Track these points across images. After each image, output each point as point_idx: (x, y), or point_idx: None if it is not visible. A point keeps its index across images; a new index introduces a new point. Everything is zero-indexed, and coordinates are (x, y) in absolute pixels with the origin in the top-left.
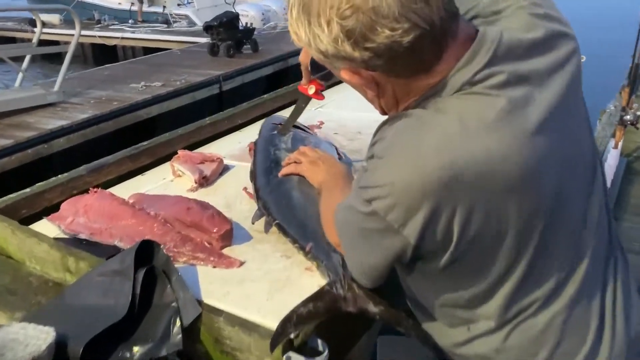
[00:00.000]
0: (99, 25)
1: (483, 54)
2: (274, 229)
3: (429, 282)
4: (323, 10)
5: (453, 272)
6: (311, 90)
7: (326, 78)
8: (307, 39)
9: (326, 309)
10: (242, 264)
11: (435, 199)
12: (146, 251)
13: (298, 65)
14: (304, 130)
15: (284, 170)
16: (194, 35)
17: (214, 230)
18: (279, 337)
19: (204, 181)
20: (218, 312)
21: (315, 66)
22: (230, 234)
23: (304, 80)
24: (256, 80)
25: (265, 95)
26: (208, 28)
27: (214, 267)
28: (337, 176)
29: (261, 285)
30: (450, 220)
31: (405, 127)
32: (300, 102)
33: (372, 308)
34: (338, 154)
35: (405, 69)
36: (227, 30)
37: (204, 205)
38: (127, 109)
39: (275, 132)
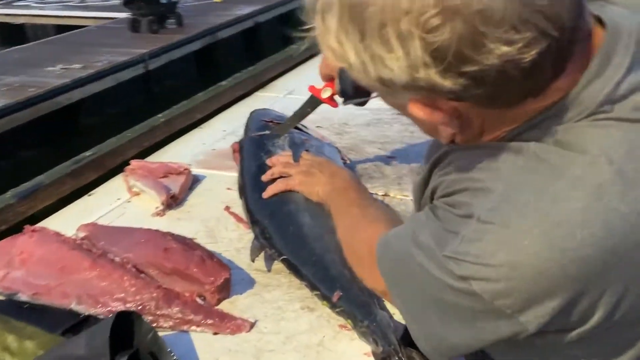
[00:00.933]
0: (2, 2)
1: (621, 54)
2: (278, 264)
3: (531, 355)
4: (392, 18)
5: (576, 348)
6: (326, 93)
7: (361, 104)
8: (359, 63)
9: None
10: (252, 325)
11: (579, 285)
12: (122, 325)
13: (228, 39)
14: (302, 131)
15: (269, 191)
16: (111, 10)
17: (208, 281)
18: None
19: (173, 201)
20: None
21: (349, 91)
22: (229, 283)
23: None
24: (184, 57)
25: (223, 82)
26: (127, 2)
27: (215, 333)
28: (345, 187)
29: (287, 358)
30: (594, 303)
31: (522, 175)
32: (306, 104)
33: None
34: (342, 159)
35: (511, 96)
36: (148, 4)
37: (187, 244)
38: (44, 96)
39: (267, 132)
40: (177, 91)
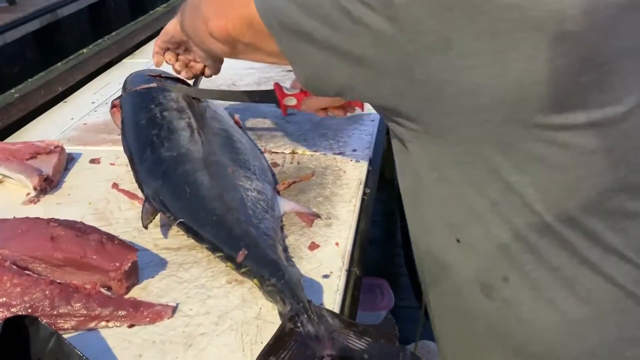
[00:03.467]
0: None
1: None
2: (189, 240)
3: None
4: None
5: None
6: (289, 101)
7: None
8: None
9: None
10: (174, 310)
11: None
12: (13, 334)
13: (71, 16)
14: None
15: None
16: None
17: (113, 267)
18: None
19: (47, 185)
20: None
21: None
22: (137, 266)
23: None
24: (21, 39)
25: (84, 50)
26: None
27: (131, 325)
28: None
29: (226, 340)
30: None
31: None
32: (256, 93)
33: (357, 344)
34: (236, 122)
35: None
36: None
37: (79, 229)
38: None
39: (155, 84)
40: (18, 77)
